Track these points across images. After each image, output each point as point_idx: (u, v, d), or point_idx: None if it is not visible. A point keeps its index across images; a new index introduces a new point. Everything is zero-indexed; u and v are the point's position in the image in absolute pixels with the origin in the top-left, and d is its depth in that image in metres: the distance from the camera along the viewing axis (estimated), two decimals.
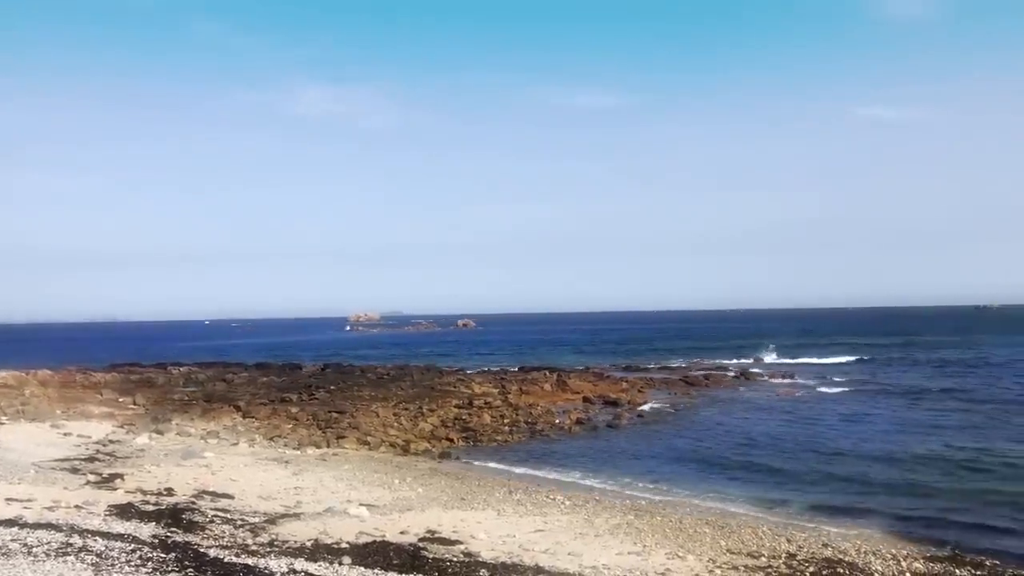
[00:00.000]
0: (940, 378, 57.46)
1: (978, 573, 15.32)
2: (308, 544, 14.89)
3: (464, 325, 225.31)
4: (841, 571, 15.13)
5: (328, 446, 30.72)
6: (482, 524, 18.25)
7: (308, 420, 35.97)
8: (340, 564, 13.13)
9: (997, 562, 16.33)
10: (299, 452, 29.28)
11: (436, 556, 14.47)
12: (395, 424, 35.47)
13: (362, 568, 12.89)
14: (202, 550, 13.15)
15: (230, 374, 59.87)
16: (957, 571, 15.40)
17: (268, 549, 14.14)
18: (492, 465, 28.44)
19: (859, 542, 17.87)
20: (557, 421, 38.42)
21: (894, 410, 41.09)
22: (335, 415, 36.87)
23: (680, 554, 16.14)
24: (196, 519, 16.57)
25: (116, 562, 11.65)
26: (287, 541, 15.13)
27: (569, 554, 15.70)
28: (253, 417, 36.70)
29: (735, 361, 77.30)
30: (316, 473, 24.60)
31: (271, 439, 31.79)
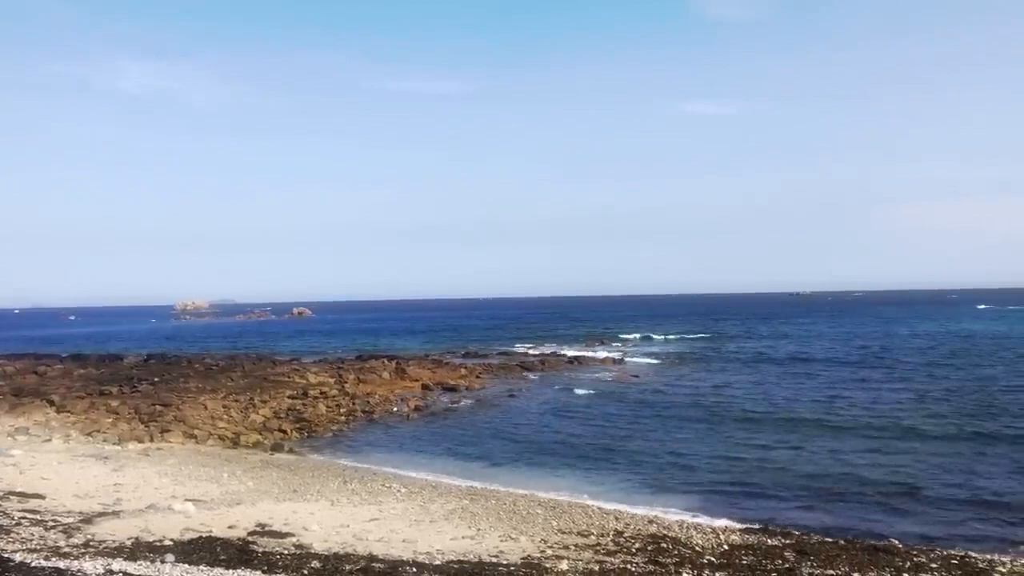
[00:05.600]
0: (744, 371, 61.08)
1: (787, 542, 16.42)
2: (128, 543, 14.13)
3: (300, 313, 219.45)
4: (665, 546, 15.83)
5: (152, 440, 29.32)
6: (315, 515, 17.94)
7: (130, 414, 34.12)
8: (163, 562, 12.51)
9: (803, 532, 17.69)
10: (119, 447, 27.78)
11: (266, 549, 14.07)
12: (224, 416, 34.25)
13: (186, 565, 12.33)
14: (6, 555, 12.19)
15: (43, 366, 55.83)
16: (769, 541, 16.45)
17: (83, 550, 13.31)
18: (327, 455, 28.00)
19: (682, 518, 18.88)
20: (395, 409, 38.31)
21: (704, 395, 42.74)
22: (159, 408, 35.18)
23: (513, 536, 16.46)
24: (1, 522, 15.39)
25: None
26: (104, 541, 14.31)
27: (403, 541, 15.69)
28: (68, 412, 34.48)
29: (573, 347, 79.32)
30: (138, 469, 23.42)
31: (89, 434, 30.02)
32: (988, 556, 15.19)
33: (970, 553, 15.41)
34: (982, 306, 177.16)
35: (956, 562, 14.62)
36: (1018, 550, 16.02)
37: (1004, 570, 14.03)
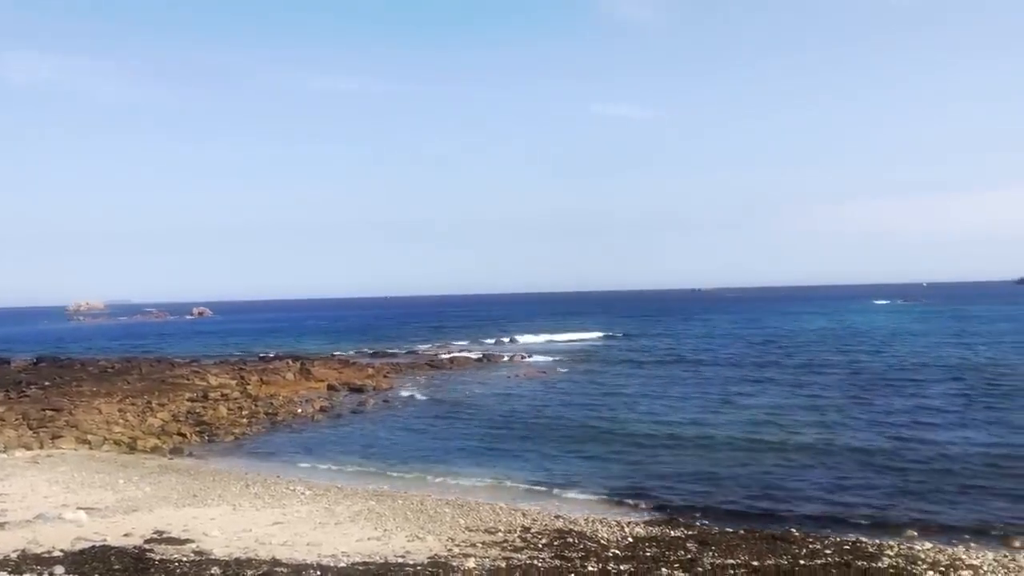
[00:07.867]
0: (643, 369, 62.34)
1: (690, 532, 16.84)
2: (13, 556, 13.46)
3: (200, 313, 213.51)
4: (571, 540, 16.01)
5: (41, 447, 28.01)
6: (216, 520, 17.46)
7: (17, 420, 32.48)
8: (51, 575, 11.99)
9: (705, 522, 18.22)
10: (5, 455, 26.43)
11: (164, 557, 13.61)
12: (120, 420, 33.03)
13: None
14: None
15: None
16: (672, 532, 16.84)
17: None
18: (228, 459, 27.30)
19: (588, 513, 19.12)
20: (300, 411, 37.64)
21: (604, 394, 42.96)
22: (50, 413, 33.62)
23: (420, 535, 16.37)
24: None
25: None
26: None
27: (308, 544, 15.41)
28: None
29: (483, 346, 79.62)
30: (26, 477, 22.36)
31: None
32: (877, 541, 15.89)
33: (861, 539, 16.10)
34: (879, 301, 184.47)
35: (848, 547, 15.25)
36: (903, 535, 16.83)
37: (892, 553, 14.70)
